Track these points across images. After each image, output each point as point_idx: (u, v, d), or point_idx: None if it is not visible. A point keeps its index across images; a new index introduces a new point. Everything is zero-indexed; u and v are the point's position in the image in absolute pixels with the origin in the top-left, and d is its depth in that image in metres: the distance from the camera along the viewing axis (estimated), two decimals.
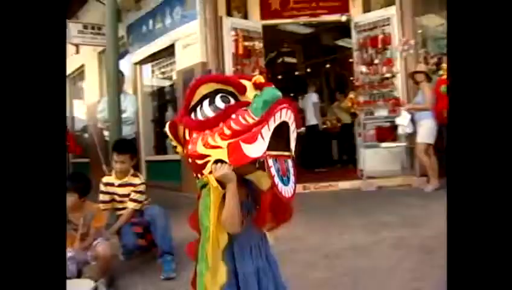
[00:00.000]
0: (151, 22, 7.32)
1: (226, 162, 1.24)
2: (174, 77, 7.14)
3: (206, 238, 1.29)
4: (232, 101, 1.30)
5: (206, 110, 1.30)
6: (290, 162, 1.35)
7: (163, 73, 7.85)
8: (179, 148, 1.41)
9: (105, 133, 5.35)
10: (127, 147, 3.34)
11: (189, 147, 1.30)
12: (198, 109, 1.32)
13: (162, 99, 8.04)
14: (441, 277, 2.49)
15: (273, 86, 1.33)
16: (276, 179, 1.24)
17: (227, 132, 1.23)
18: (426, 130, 5.39)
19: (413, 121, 5.59)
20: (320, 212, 4.63)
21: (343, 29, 7.46)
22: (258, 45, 6.41)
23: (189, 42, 6.36)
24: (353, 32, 6.67)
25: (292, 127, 1.31)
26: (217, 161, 1.26)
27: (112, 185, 3.22)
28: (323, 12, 6.76)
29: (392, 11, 6.32)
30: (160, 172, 7.26)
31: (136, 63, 7.95)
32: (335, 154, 9.11)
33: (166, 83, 7.84)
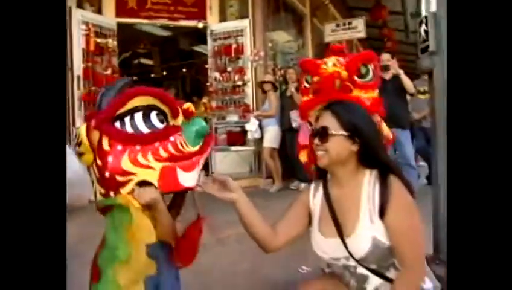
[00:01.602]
0: None
1: (151, 185, 1.15)
2: None
3: (118, 260, 1.19)
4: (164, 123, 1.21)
5: (139, 124, 1.17)
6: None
7: None
8: (87, 157, 1.20)
9: None
10: None
11: (110, 159, 1.13)
12: (127, 119, 1.17)
13: None
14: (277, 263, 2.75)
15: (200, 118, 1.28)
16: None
17: (164, 154, 1.15)
18: (271, 136, 5.85)
19: (260, 126, 6.02)
20: None
21: (200, 36, 7.64)
22: (112, 42, 6.16)
23: None
24: (209, 40, 6.89)
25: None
26: (140, 183, 1.14)
27: None
28: (181, 16, 6.83)
29: (245, 23, 6.70)
30: None
31: None
32: None
33: None
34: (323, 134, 1.41)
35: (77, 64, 5.68)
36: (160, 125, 1.19)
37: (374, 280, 1.39)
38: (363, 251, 1.35)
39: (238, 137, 6.53)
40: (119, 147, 1.13)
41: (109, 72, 6.04)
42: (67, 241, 1.08)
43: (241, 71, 6.63)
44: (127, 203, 1.14)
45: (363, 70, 1.93)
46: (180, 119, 1.23)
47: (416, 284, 1.33)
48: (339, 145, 1.39)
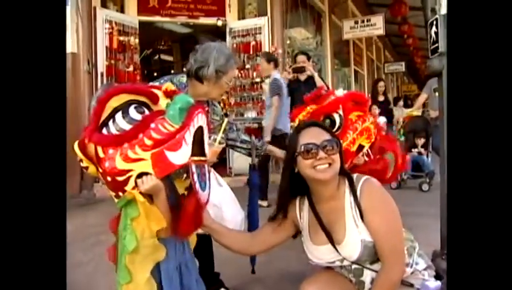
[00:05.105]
0: None
1: (150, 174, 1.19)
2: None
3: (128, 251, 1.28)
4: (146, 111, 1.24)
5: (121, 123, 1.21)
6: (206, 167, 1.37)
7: None
8: (92, 169, 1.28)
9: None
10: None
11: (106, 164, 1.18)
12: (110, 123, 1.22)
13: None
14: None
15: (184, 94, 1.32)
16: (197, 186, 1.27)
17: (149, 142, 1.17)
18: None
19: None
20: None
21: (219, 33, 7.75)
22: (134, 40, 6.35)
23: None
24: (228, 37, 7.01)
25: (205, 131, 1.31)
26: (140, 175, 1.19)
27: None
28: (200, 14, 6.99)
29: (263, 21, 6.82)
30: None
31: None
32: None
33: None
34: (334, 145, 1.44)
35: (101, 61, 5.89)
36: (139, 117, 1.22)
37: (369, 273, 1.50)
38: (356, 254, 1.45)
39: (255, 133, 6.60)
40: (111, 151, 1.18)
41: (131, 68, 6.22)
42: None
43: (259, 68, 6.71)
44: (134, 197, 1.23)
45: (326, 123, 1.93)
46: (164, 102, 1.26)
47: (394, 277, 1.41)
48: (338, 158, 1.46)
